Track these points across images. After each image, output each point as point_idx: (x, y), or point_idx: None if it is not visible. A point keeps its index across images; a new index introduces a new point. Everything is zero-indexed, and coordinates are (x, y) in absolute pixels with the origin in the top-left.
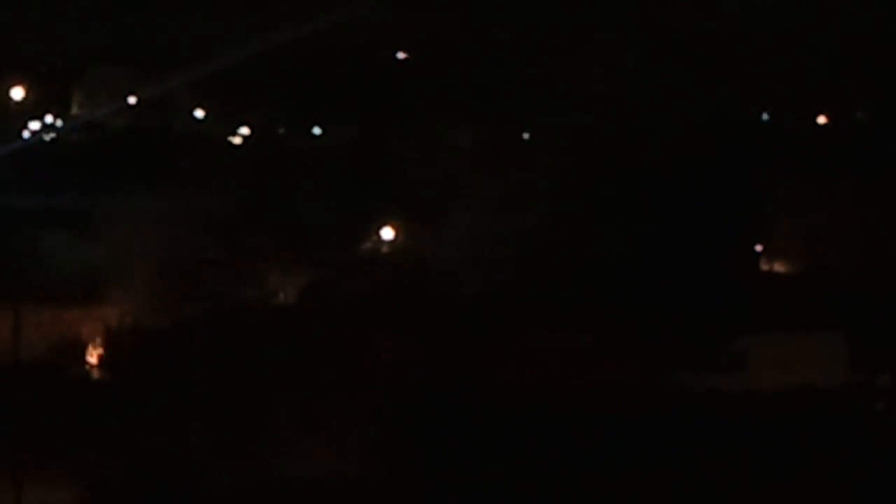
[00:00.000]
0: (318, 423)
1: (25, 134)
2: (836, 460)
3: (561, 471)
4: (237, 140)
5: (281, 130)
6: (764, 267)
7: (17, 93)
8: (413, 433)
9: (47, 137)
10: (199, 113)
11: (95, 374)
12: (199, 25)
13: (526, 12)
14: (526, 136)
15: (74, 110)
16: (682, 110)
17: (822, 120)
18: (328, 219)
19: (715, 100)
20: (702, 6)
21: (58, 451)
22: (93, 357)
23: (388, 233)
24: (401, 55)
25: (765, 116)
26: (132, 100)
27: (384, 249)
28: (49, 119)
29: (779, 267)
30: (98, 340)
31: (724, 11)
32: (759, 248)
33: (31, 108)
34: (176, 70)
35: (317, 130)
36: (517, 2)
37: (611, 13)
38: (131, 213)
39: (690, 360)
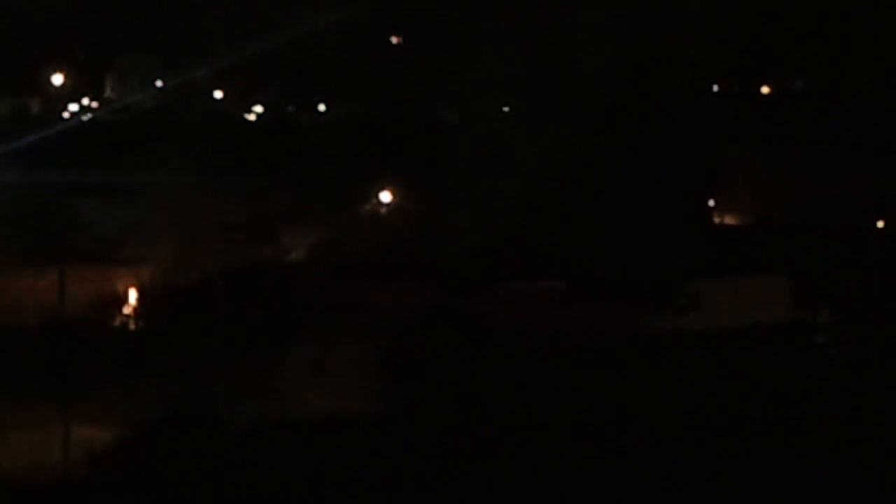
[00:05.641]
0: (328, 365)
1: (65, 115)
2: (782, 388)
3: (543, 401)
4: (252, 117)
5: (290, 108)
6: (716, 219)
7: (58, 79)
8: (412, 371)
9: (84, 118)
10: (218, 94)
11: (131, 324)
12: (217, 17)
13: (503, 4)
14: (506, 109)
15: (108, 94)
16: (643, 85)
17: (765, 90)
18: (333, 184)
19: (672, 74)
20: None
21: (100, 392)
22: (128, 310)
23: (386, 196)
24: (394, 39)
25: (715, 87)
26: (159, 83)
27: (383, 210)
28: (86, 101)
29: (729, 219)
30: (133, 295)
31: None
32: (711, 203)
33: (70, 93)
34: (197, 57)
35: (322, 107)
36: None
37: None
38: (160, 184)
39: (652, 303)
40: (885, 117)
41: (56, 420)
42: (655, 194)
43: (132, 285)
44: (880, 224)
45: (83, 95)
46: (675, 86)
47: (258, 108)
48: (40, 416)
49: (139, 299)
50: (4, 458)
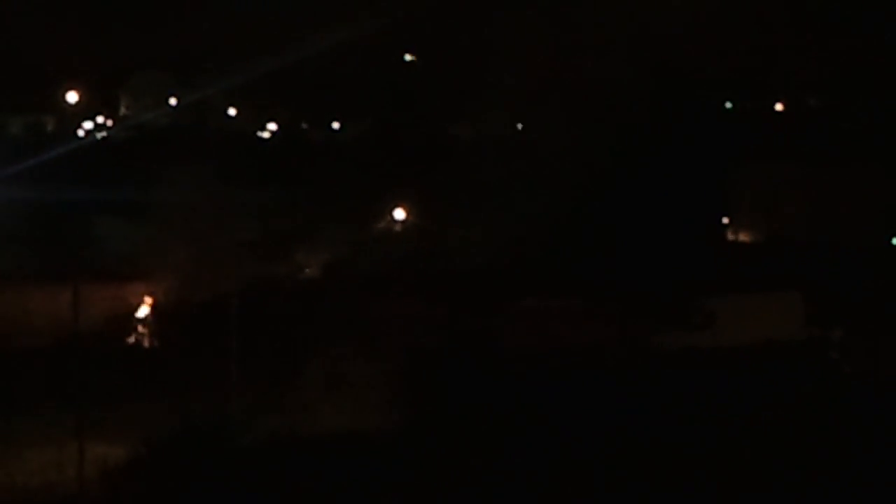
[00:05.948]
0: (343, 382)
1: (80, 133)
2: (796, 404)
3: (557, 418)
4: (266, 135)
5: (304, 125)
6: (730, 236)
7: (72, 96)
8: (427, 389)
9: (99, 136)
10: (232, 111)
11: (146, 341)
12: (231, 35)
13: (516, 22)
14: (520, 126)
15: (122, 112)
16: (657, 102)
17: (779, 107)
18: (347, 202)
19: (686, 91)
20: (678, 14)
21: (115, 410)
22: (143, 327)
23: (399, 213)
24: (408, 57)
25: (728, 104)
26: (173, 101)
27: (397, 228)
28: (100, 120)
29: (743, 236)
30: (147, 312)
31: (696, 17)
32: (725, 220)
33: (85, 111)
34: (211, 74)
35: (335, 125)
36: (510, 12)
37: (592, 19)
38: (175, 202)
39: (667, 321)
40: None
41: (70, 438)
42: (669, 211)
43: (147, 302)
44: (894, 241)
45: (98, 113)
46: (689, 103)
47: (272, 126)
48: (54, 434)
49: (154, 316)
50: (18, 476)
